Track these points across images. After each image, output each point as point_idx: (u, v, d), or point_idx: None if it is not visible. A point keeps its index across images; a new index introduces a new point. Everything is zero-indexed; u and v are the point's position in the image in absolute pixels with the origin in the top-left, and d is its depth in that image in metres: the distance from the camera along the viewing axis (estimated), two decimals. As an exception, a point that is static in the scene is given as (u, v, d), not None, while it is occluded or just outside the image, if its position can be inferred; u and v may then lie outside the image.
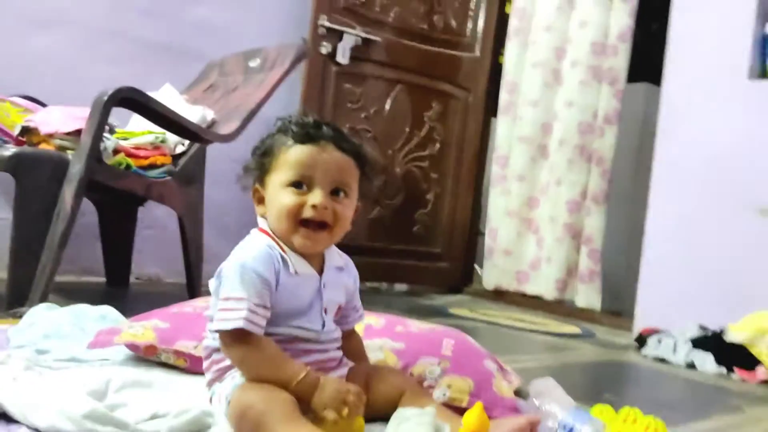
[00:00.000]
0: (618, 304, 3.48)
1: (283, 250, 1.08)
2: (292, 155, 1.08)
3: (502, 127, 3.64)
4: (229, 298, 1.02)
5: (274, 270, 1.06)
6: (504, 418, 1.09)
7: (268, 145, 1.12)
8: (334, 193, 1.09)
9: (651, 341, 2.36)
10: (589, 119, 3.32)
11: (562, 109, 3.38)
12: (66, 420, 0.93)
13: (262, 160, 1.12)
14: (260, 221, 1.14)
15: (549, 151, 3.43)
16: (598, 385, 1.86)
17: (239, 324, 1.00)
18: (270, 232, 1.10)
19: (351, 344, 1.22)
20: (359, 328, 1.31)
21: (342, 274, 1.17)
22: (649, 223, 2.78)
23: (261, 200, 1.13)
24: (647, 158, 3.33)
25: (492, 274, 3.55)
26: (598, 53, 3.30)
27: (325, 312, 1.12)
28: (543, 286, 3.36)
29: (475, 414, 0.91)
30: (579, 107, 3.32)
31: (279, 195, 1.08)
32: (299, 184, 1.08)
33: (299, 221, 1.07)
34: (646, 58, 3.50)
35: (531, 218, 3.49)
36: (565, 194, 3.33)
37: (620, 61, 3.25)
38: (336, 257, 1.16)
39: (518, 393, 1.34)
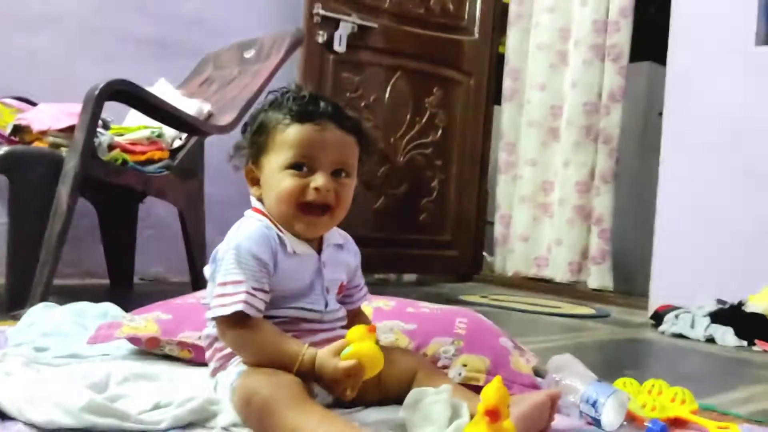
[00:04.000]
0: (630, 285, 3.42)
1: (280, 231, 1.04)
2: (291, 135, 1.02)
3: (507, 114, 3.61)
4: (226, 283, 0.98)
5: (271, 251, 1.01)
6: (523, 394, 1.04)
7: (262, 123, 1.06)
8: (336, 174, 1.04)
9: (668, 318, 2.30)
10: (594, 99, 3.28)
11: (569, 90, 3.34)
12: (64, 413, 0.89)
13: (256, 138, 1.06)
14: (254, 202, 1.08)
15: (560, 134, 3.39)
16: (617, 363, 1.81)
17: (238, 308, 0.95)
18: (266, 212, 1.05)
19: (361, 313, 1.17)
20: (368, 311, 1.27)
21: (342, 251, 1.13)
22: (660, 200, 2.72)
23: (255, 181, 1.08)
24: (652, 137, 3.28)
25: (508, 260, 3.51)
26: (600, 31, 3.26)
27: (327, 291, 1.08)
28: (556, 269, 3.32)
29: (494, 387, 0.85)
30: (583, 87, 3.28)
31: (278, 178, 1.03)
32: (299, 166, 1.02)
33: (301, 205, 1.02)
34: (648, 38, 3.45)
35: (546, 203, 3.44)
36: (574, 176, 3.29)
37: (623, 36, 3.20)
38: (335, 235, 1.12)
39: (536, 373, 1.29)
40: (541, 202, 3.47)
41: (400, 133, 3.27)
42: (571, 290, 3.23)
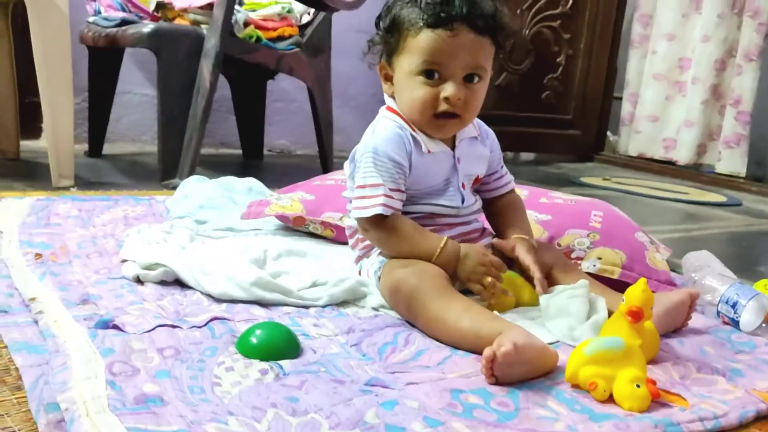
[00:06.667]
0: (763, 171, 3.24)
1: (414, 130, 1.06)
2: (422, 41, 1.00)
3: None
4: (365, 186, 1.02)
5: (406, 152, 1.04)
6: (662, 292, 1.06)
7: (395, 20, 1.04)
8: (468, 79, 1.03)
9: (808, 211, 2.19)
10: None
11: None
12: (236, 287, 0.99)
13: (389, 38, 1.05)
14: (387, 99, 1.10)
15: (702, 5, 3.12)
16: (750, 258, 1.76)
17: (377, 210, 1.00)
18: (399, 112, 1.07)
19: (509, 202, 1.17)
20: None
21: (477, 143, 1.13)
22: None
23: (388, 77, 1.09)
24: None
25: (633, 140, 3.39)
26: None
27: (463, 187, 1.10)
28: (684, 151, 3.18)
29: (639, 289, 0.87)
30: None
31: (410, 84, 1.03)
32: (431, 74, 1.02)
33: (434, 114, 1.03)
34: None
35: (680, 81, 3.24)
36: (713, 53, 3.05)
37: None
38: (469, 128, 1.12)
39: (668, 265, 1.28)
40: (674, 81, 3.27)
41: (527, 3, 3.12)
42: (698, 175, 3.10)
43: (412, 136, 1.05)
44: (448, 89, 1.01)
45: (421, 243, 1.02)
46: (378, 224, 1.02)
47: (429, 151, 1.06)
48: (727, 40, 3.04)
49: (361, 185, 1.03)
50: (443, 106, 1.02)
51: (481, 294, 1.00)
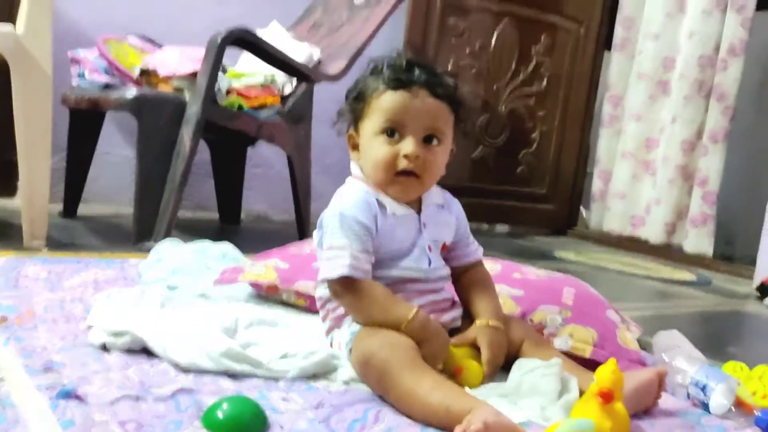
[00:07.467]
0: (732, 250, 3.31)
1: (379, 194, 1.08)
2: (384, 102, 1.06)
3: (616, 65, 3.47)
4: (332, 247, 1.03)
5: (372, 215, 1.06)
6: (631, 371, 1.06)
7: (361, 90, 1.10)
8: (427, 140, 1.07)
9: (775, 291, 2.23)
10: (710, 52, 3.09)
11: (685, 41, 3.17)
12: (205, 357, 0.98)
13: (355, 105, 1.11)
14: (353, 167, 1.13)
15: (670, 88, 3.25)
16: (720, 338, 1.78)
17: (344, 271, 1.01)
18: (363, 179, 1.10)
19: (477, 276, 1.18)
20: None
21: (443, 211, 1.16)
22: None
23: (356, 146, 1.12)
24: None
25: (604, 217, 3.45)
26: (724, -21, 3.05)
27: (430, 249, 1.11)
28: (652, 229, 3.24)
29: (609, 369, 0.88)
30: (700, 38, 3.10)
31: (373, 144, 1.07)
32: (391, 132, 1.06)
33: (395, 173, 1.06)
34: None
35: (648, 160, 3.33)
36: (680, 133, 3.16)
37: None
38: (435, 195, 1.15)
39: (639, 345, 1.29)
40: (642, 159, 3.36)
41: (503, 81, 3.22)
42: (668, 252, 3.15)
43: (377, 200, 1.08)
44: (407, 146, 1.05)
45: (392, 309, 1.02)
46: (348, 287, 1.02)
47: (394, 214, 1.08)
48: (695, 122, 3.14)
49: (328, 247, 1.04)
50: (403, 163, 1.06)
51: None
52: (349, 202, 1.06)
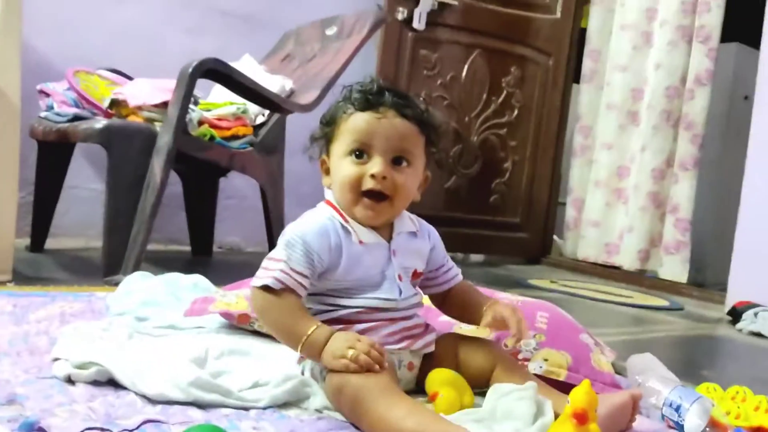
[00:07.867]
0: (702, 276, 3.34)
1: (347, 221, 1.07)
2: (351, 123, 1.06)
3: (585, 96, 3.54)
4: (270, 259, 1.03)
5: (330, 244, 1.04)
6: (606, 394, 1.05)
7: (332, 114, 1.10)
8: (396, 162, 1.06)
9: (746, 315, 2.25)
10: (677, 83, 3.17)
11: (652, 72, 3.25)
12: (173, 387, 0.95)
13: (326, 129, 1.11)
14: (327, 192, 1.13)
15: (639, 118, 3.31)
16: (693, 361, 1.79)
17: (268, 282, 1.00)
18: (335, 204, 1.09)
19: (463, 287, 1.19)
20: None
21: (415, 239, 1.14)
22: (745, 191, 2.62)
23: (328, 171, 1.12)
24: (736, 122, 3.16)
25: (579, 245, 3.48)
26: (689, 12, 3.14)
27: (400, 279, 1.10)
28: (626, 256, 3.27)
29: (583, 391, 0.87)
30: (667, 69, 3.18)
31: (341, 166, 1.07)
32: (359, 153, 1.06)
33: (361, 193, 1.06)
34: (737, 18, 3.30)
35: (620, 188, 3.38)
36: (650, 162, 3.21)
37: (714, 18, 3.08)
38: (407, 223, 1.14)
39: (612, 368, 1.29)
40: (614, 188, 3.42)
41: (475, 112, 3.26)
42: (641, 279, 3.18)
43: (343, 227, 1.06)
44: (374, 166, 1.04)
45: (296, 324, 1.00)
46: (264, 295, 1.01)
47: (361, 242, 1.06)
48: (664, 151, 3.20)
49: (267, 258, 1.04)
50: (369, 183, 1.05)
51: (347, 368, 0.94)
52: (306, 225, 1.05)
